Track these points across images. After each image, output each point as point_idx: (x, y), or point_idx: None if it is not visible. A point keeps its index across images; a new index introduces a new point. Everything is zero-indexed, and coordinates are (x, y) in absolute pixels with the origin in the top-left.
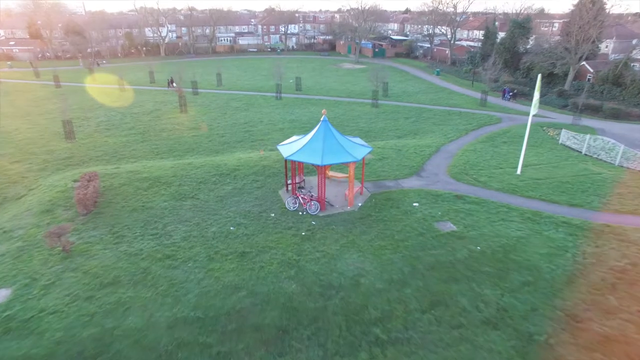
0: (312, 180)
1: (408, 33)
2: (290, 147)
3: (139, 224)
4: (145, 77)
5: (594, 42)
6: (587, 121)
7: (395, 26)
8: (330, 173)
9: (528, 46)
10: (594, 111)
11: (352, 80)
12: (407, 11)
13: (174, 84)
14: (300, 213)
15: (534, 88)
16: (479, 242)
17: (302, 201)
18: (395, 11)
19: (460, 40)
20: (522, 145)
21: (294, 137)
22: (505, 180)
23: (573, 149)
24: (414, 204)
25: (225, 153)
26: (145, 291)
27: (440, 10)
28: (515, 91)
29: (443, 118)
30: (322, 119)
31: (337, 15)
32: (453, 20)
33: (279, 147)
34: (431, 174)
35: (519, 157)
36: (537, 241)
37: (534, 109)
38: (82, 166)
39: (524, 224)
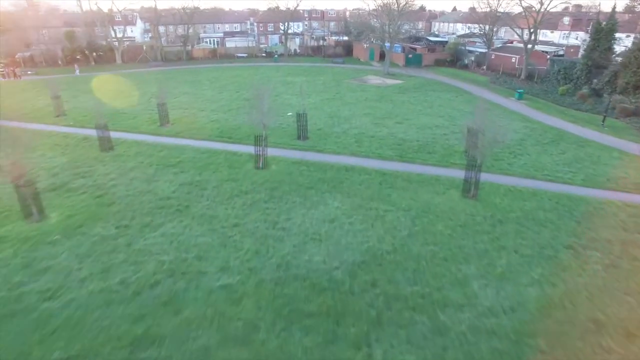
0: None
1: (437, 32)
2: None
3: None
4: (65, 98)
5: None
6: None
7: (420, 24)
8: None
9: None
10: None
11: (394, 110)
12: (422, 9)
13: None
14: None
15: None
16: None
17: None
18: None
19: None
20: None
21: None
22: None
23: None
24: None
25: None
26: None
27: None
28: None
29: None
30: None
31: (348, 9)
32: (539, 13)
33: None
34: None
35: None
36: None
37: None
38: None
39: None
